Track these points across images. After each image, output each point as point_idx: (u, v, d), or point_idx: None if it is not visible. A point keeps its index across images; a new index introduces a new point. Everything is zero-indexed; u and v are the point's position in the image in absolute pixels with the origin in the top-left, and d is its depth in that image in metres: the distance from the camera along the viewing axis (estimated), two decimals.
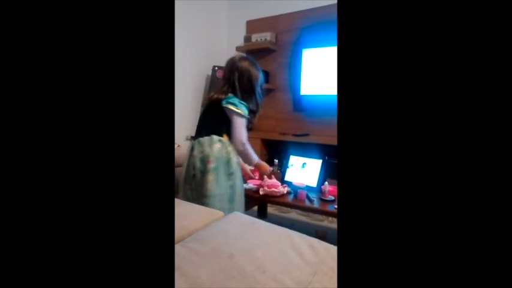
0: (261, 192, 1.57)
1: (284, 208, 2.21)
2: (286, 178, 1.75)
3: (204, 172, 1.28)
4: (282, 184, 1.61)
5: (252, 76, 1.40)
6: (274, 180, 1.61)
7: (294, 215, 2.24)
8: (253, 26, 3.16)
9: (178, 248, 0.77)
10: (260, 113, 1.49)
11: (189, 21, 2.82)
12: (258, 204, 2.06)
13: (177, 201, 1.19)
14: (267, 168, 1.51)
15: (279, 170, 2.05)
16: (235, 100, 1.33)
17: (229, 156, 1.32)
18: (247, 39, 3.05)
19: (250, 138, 1.43)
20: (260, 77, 1.44)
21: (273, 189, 1.55)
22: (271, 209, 2.26)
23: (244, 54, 1.51)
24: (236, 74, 1.37)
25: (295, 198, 1.54)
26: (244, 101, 1.37)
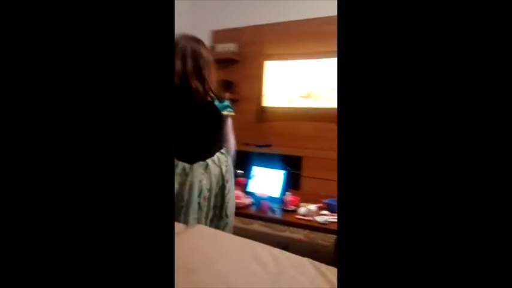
0: None
1: (246, 220, 2.20)
2: (249, 189, 1.76)
3: (222, 193, 1.15)
4: (245, 195, 1.61)
5: (208, 60, 1.15)
6: (237, 191, 1.61)
7: (257, 226, 2.24)
8: (218, 36, 3.18)
9: None
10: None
11: None
12: None
13: None
14: None
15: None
16: (225, 102, 1.16)
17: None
18: (211, 48, 3.06)
19: None
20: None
21: (236, 200, 1.54)
22: None
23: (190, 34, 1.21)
24: (204, 65, 1.11)
25: (258, 209, 1.55)
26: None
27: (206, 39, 3.23)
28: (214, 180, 1.12)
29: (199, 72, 1.08)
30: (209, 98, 1.10)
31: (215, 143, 1.15)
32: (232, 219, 1.19)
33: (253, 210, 1.56)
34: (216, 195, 1.14)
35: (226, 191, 1.14)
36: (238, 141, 3.15)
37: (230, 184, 1.16)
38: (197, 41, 1.16)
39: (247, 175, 1.87)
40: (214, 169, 1.12)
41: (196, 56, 1.10)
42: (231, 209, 1.17)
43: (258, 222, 2.24)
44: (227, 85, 3.01)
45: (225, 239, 0.92)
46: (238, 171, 2.65)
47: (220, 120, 1.14)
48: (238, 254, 0.81)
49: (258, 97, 2.96)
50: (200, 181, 1.09)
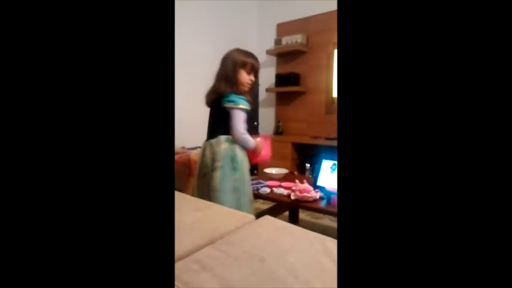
0: (292, 197, 1.54)
1: (316, 214, 2.16)
2: (319, 183, 1.71)
3: (213, 170, 1.41)
4: (314, 189, 1.57)
5: (234, 61, 1.41)
6: (306, 185, 1.58)
7: (327, 221, 2.18)
8: (283, 28, 3.16)
9: (210, 250, 0.77)
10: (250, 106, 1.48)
11: (219, 25, 2.88)
12: (289, 209, 2.03)
13: (208, 203, 1.20)
14: (259, 144, 1.52)
15: (311, 174, 2.01)
16: (234, 97, 1.37)
17: (234, 153, 1.41)
18: (277, 42, 3.05)
19: (281, 143, 1.42)
20: (247, 61, 1.42)
21: (305, 194, 1.51)
22: (302, 215, 2.22)
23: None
24: (223, 68, 1.42)
25: (328, 204, 1.49)
26: (238, 92, 1.40)
27: (273, 33, 3.24)
28: (210, 156, 1.43)
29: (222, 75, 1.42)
30: (217, 98, 1.40)
31: (215, 128, 1.45)
32: (223, 196, 1.38)
33: (322, 204, 1.51)
34: (211, 171, 1.42)
35: (213, 167, 1.40)
36: (307, 134, 3.10)
37: (221, 164, 1.39)
38: (240, 52, 1.45)
39: (316, 169, 1.82)
40: (214, 147, 1.42)
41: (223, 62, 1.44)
42: (216, 186, 1.39)
43: (328, 217, 2.18)
44: (294, 78, 2.98)
45: (295, 231, 0.92)
46: (307, 165, 2.60)
47: (220, 110, 1.40)
48: (309, 247, 0.80)
49: (327, 88, 2.85)
50: (204, 155, 1.46)
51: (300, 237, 0.86)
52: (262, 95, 3.29)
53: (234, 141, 1.42)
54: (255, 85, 1.50)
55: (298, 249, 0.78)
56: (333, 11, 2.75)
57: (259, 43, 3.33)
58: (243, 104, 1.38)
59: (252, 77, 1.45)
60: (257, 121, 3.26)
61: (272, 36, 3.23)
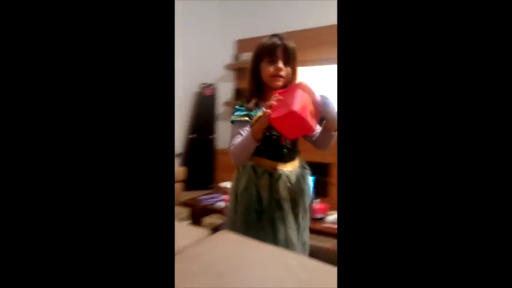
0: None
1: None
2: None
3: None
4: None
5: (251, 58, 1.06)
6: None
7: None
8: (243, 44, 3.23)
9: None
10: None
11: (177, 36, 2.85)
12: None
13: None
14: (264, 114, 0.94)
15: None
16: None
17: (238, 186, 1.10)
18: (236, 57, 3.11)
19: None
20: (264, 46, 1.04)
21: None
22: None
23: None
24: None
25: None
26: (248, 95, 1.07)
27: (231, 49, 3.29)
28: None
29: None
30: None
31: None
32: None
33: None
34: None
35: None
36: None
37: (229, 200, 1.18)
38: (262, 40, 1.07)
39: None
40: None
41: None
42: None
43: None
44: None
45: (251, 245, 0.91)
46: None
47: None
48: (265, 261, 0.79)
49: None
50: None
51: (257, 251, 0.85)
52: (220, 108, 3.30)
53: (244, 169, 1.07)
54: (295, 73, 1.06)
55: (255, 263, 0.77)
56: (292, 31, 2.88)
57: (218, 58, 3.36)
58: (235, 116, 1.04)
59: (279, 64, 1.01)
60: (214, 134, 3.24)
61: (231, 51, 3.28)
